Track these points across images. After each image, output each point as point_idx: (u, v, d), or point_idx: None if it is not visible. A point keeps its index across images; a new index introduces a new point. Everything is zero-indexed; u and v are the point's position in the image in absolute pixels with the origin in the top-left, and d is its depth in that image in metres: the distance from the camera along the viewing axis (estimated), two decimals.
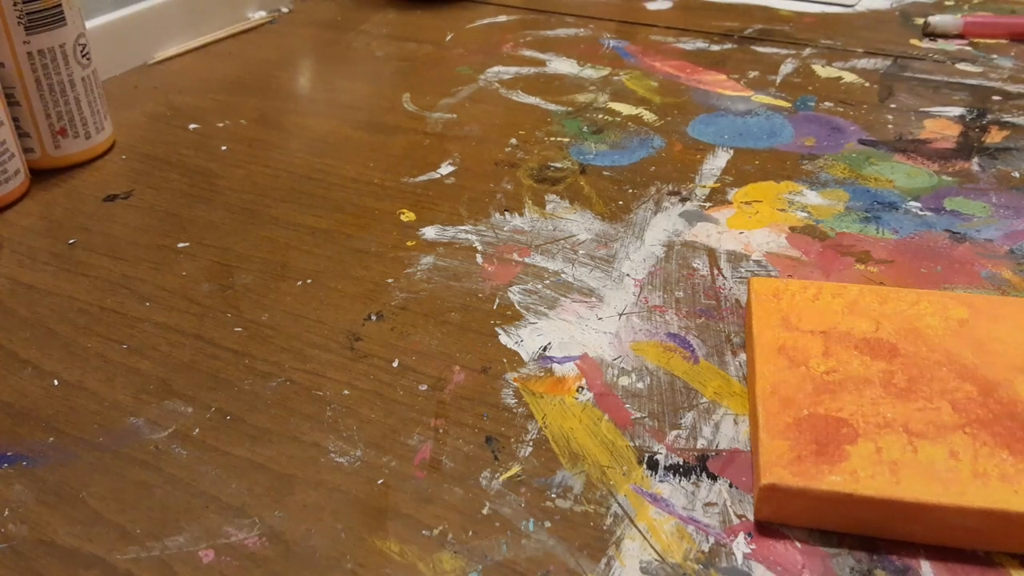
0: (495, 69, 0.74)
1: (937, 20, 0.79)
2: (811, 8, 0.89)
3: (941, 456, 0.31)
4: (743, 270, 0.46)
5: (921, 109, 0.65)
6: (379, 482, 0.34)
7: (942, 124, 0.62)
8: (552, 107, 0.66)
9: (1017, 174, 0.55)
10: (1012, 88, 0.68)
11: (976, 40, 0.79)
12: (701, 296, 0.44)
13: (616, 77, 0.72)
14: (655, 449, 0.35)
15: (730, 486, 0.33)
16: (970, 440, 0.32)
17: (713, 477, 0.33)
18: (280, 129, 0.64)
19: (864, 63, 0.74)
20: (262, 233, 0.51)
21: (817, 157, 0.58)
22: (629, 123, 0.63)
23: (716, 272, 0.46)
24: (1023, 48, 0.77)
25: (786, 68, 0.73)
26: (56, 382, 0.39)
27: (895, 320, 0.38)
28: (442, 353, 0.40)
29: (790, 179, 0.55)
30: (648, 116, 0.64)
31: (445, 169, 0.57)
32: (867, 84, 0.69)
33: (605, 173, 0.56)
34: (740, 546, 0.31)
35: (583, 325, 0.42)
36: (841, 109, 0.65)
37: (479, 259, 0.47)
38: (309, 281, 0.46)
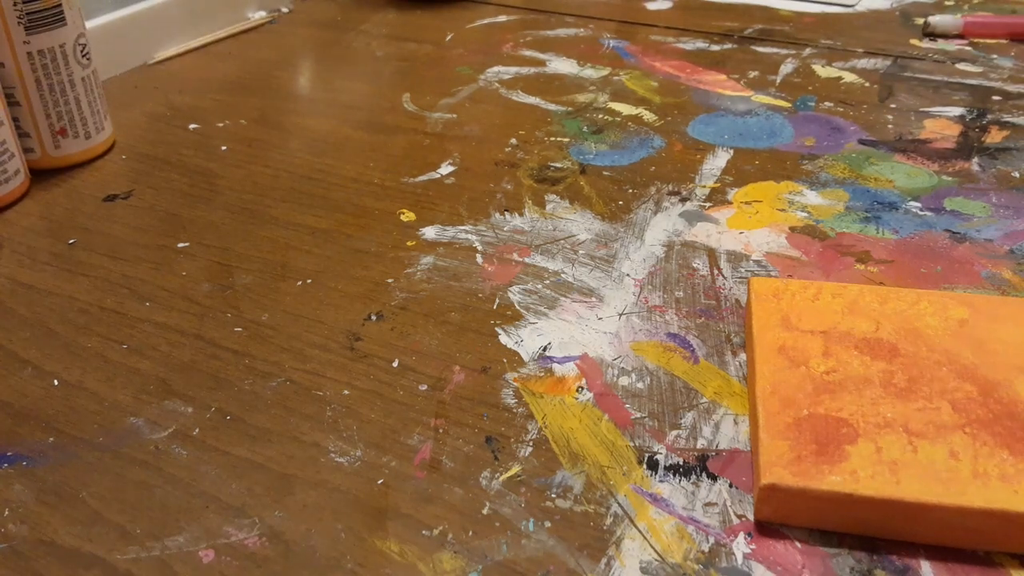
0: (495, 69, 0.74)
1: (937, 20, 0.79)
2: (811, 8, 0.89)
3: (941, 456, 0.31)
4: (743, 270, 0.46)
5: (921, 109, 0.65)
6: (379, 482, 0.34)
7: (942, 124, 0.62)
8: (552, 107, 0.66)
9: (1017, 174, 0.55)
10: (1012, 88, 0.68)
11: (976, 40, 0.79)
12: (701, 296, 0.44)
13: (616, 77, 0.72)
14: (655, 449, 0.35)
15: (730, 486, 0.33)
16: (970, 440, 0.32)
17: (713, 477, 0.33)
18: (280, 129, 0.64)
19: (864, 63, 0.74)
20: (262, 233, 0.51)
21: (817, 157, 0.58)
22: (629, 123, 0.63)
23: (716, 272, 0.46)
24: (1023, 48, 0.77)
25: (786, 68, 0.73)
26: (56, 382, 0.39)
27: (895, 320, 0.38)
28: (442, 353, 0.40)
29: (790, 179, 0.55)
30: (648, 116, 0.64)
31: (445, 169, 0.57)
32: (867, 84, 0.69)
33: (605, 173, 0.56)
34: (740, 546, 0.31)
35: (583, 325, 0.42)
36: (841, 109, 0.65)
37: (479, 259, 0.47)
38: (309, 281, 0.46)
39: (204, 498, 0.33)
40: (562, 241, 0.49)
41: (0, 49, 0.53)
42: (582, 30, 0.84)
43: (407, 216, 0.52)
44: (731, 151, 0.59)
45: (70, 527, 0.32)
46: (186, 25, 0.80)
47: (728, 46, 0.79)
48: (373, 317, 0.43)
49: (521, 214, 0.52)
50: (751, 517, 0.32)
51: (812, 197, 0.53)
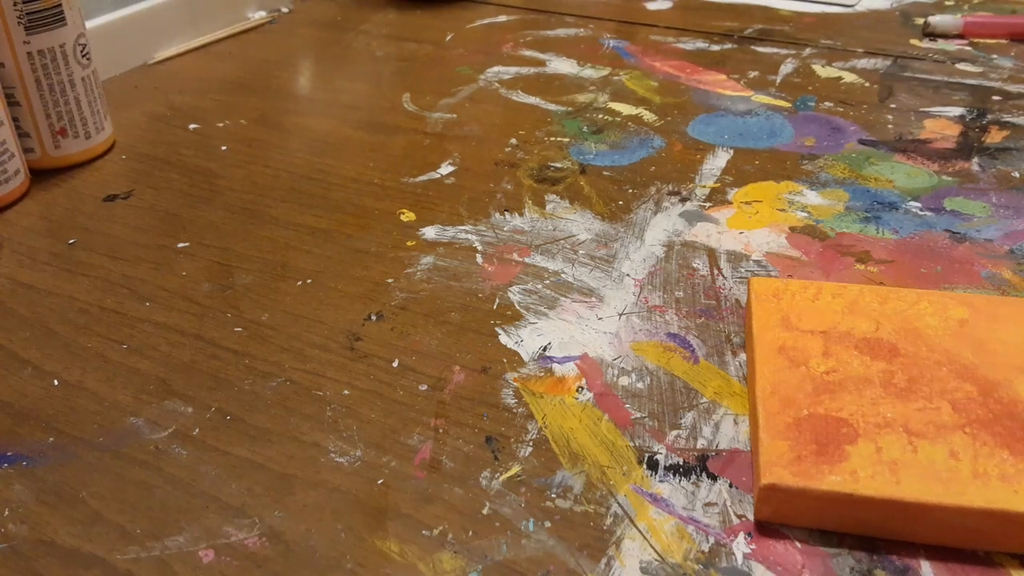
0: (495, 69, 0.74)
1: (937, 20, 0.79)
2: (811, 8, 0.89)
3: (941, 456, 0.31)
4: (743, 270, 0.46)
5: (921, 109, 0.65)
6: (379, 482, 0.34)
7: (942, 124, 0.62)
8: (552, 107, 0.66)
9: (1017, 174, 0.55)
10: (1012, 88, 0.68)
11: (976, 40, 0.79)
12: (701, 296, 0.44)
13: (616, 77, 0.72)
14: (655, 449, 0.35)
15: (730, 486, 0.33)
16: (970, 440, 0.32)
17: (713, 477, 0.33)
18: (280, 129, 0.64)
19: (864, 63, 0.74)
20: (262, 233, 0.51)
21: (817, 157, 0.58)
22: (629, 123, 0.63)
23: (716, 272, 0.46)
24: (1023, 48, 0.77)
25: (786, 68, 0.73)
26: (56, 382, 0.39)
27: (895, 320, 0.38)
28: (442, 353, 0.40)
29: (790, 179, 0.55)
30: (648, 116, 0.64)
31: (445, 169, 0.57)
32: (867, 84, 0.69)
33: (605, 173, 0.56)
34: (740, 546, 0.31)
35: (583, 325, 0.42)
36: (841, 109, 0.65)
37: (479, 259, 0.47)
38: (309, 281, 0.46)
39: (204, 498, 0.33)
40: (562, 241, 0.49)
41: (0, 49, 0.53)
42: (582, 30, 0.84)
43: (407, 216, 0.52)
44: (731, 151, 0.59)
45: (70, 527, 0.32)
46: (186, 25, 0.80)
47: (728, 46, 0.79)
48: (373, 317, 0.43)
49: (521, 214, 0.52)
50: (751, 517, 0.32)
51: (812, 197, 0.53)
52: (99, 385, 0.39)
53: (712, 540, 0.31)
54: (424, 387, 0.38)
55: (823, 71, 0.72)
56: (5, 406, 0.38)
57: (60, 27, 0.55)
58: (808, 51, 0.77)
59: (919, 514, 0.30)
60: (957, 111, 0.64)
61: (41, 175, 0.58)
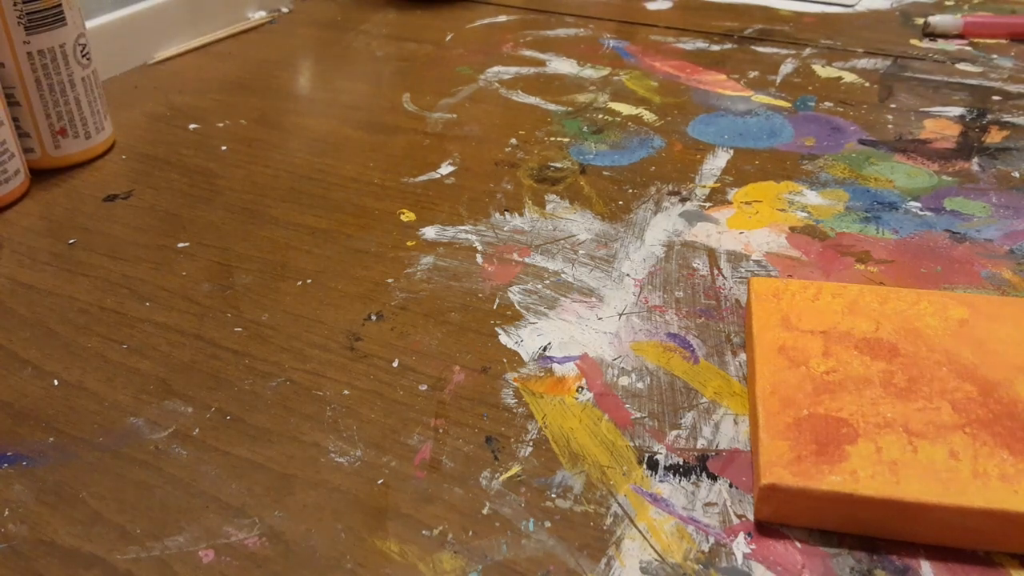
0: (495, 69, 0.74)
1: (937, 20, 0.79)
2: (811, 8, 0.89)
3: (941, 456, 0.31)
4: (743, 270, 0.46)
5: (921, 109, 0.65)
6: (379, 482, 0.34)
7: (942, 124, 0.62)
8: (552, 107, 0.66)
9: (1017, 174, 0.55)
10: (1012, 88, 0.68)
11: (976, 40, 0.79)
12: (701, 296, 0.44)
13: (616, 77, 0.72)
14: (655, 449, 0.35)
15: (730, 486, 0.33)
16: (970, 440, 0.32)
17: (713, 477, 0.33)
18: (280, 129, 0.64)
19: (864, 63, 0.74)
20: (262, 233, 0.51)
21: (817, 157, 0.58)
22: (629, 123, 0.63)
23: (716, 272, 0.46)
24: (1023, 48, 0.77)
25: (786, 68, 0.73)
26: (56, 382, 0.39)
27: (895, 320, 0.38)
28: (442, 353, 0.40)
29: (790, 179, 0.55)
30: (648, 116, 0.64)
31: (445, 169, 0.57)
32: (867, 84, 0.69)
33: (605, 173, 0.56)
34: (740, 546, 0.31)
35: (583, 325, 0.42)
36: (841, 109, 0.65)
37: (479, 259, 0.47)
38: (309, 281, 0.46)
39: (204, 498, 0.33)
40: (562, 241, 0.49)
41: (0, 49, 0.53)
42: (582, 30, 0.84)
43: (407, 216, 0.52)
44: (731, 151, 0.59)
45: (70, 527, 0.32)
46: (186, 25, 0.80)
47: (728, 46, 0.79)
48: (373, 317, 0.43)
49: (521, 214, 0.52)
50: (751, 517, 0.32)
51: (812, 197, 0.53)
52: (99, 385, 0.39)
53: (712, 540, 0.31)
54: (424, 387, 0.38)
55: (823, 71, 0.72)
56: (5, 406, 0.38)
57: (60, 27, 0.55)
58: (808, 51, 0.77)
59: (919, 514, 0.30)
60: (957, 111, 0.64)
61: (41, 175, 0.58)
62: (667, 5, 0.92)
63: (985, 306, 0.38)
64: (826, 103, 0.66)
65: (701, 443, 0.35)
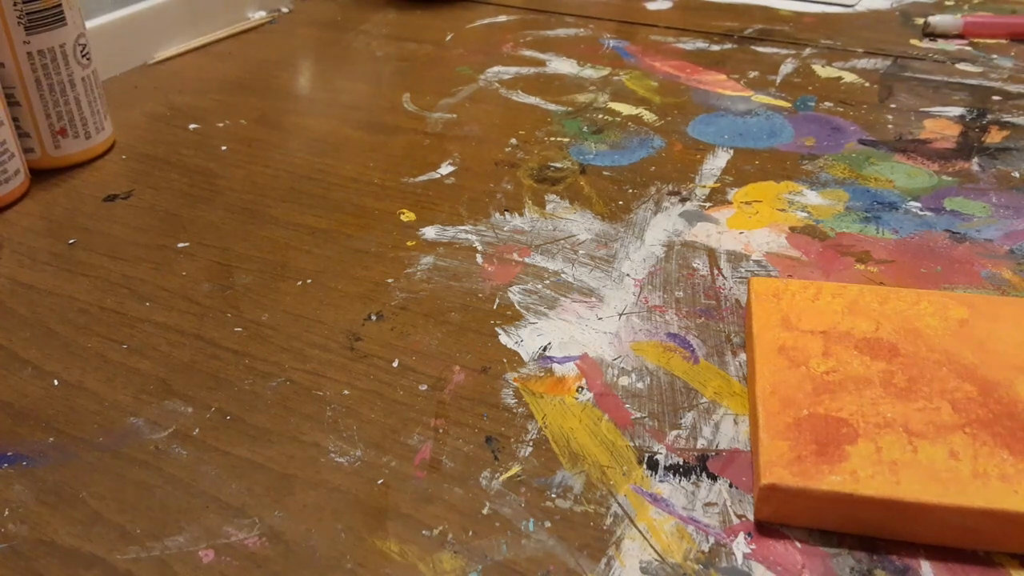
0: (495, 69, 0.74)
1: (937, 20, 0.79)
2: (811, 8, 0.89)
3: (941, 456, 0.31)
4: (743, 270, 0.46)
5: (921, 109, 0.65)
6: (379, 482, 0.34)
7: (942, 124, 0.62)
8: (552, 107, 0.66)
9: (1017, 174, 0.55)
10: (1012, 88, 0.68)
11: (976, 40, 0.79)
12: (701, 296, 0.44)
13: (616, 77, 0.72)
14: (655, 449, 0.35)
15: (730, 486, 0.33)
16: (970, 440, 0.32)
17: (713, 477, 0.33)
18: (280, 129, 0.64)
19: (864, 63, 0.74)
20: (262, 233, 0.51)
21: (817, 157, 0.58)
22: (629, 123, 0.63)
23: (716, 272, 0.46)
24: (1023, 48, 0.77)
25: (786, 68, 0.73)
26: (56, 382, 0.39)
27: (895, 320, 0.38)
28: (442, 353, 0.40)
29: (790, 179, 0.55)
30: (648, 116, 0.64)
31: (445, 169, 0.57)
32: (867, 84, 0.69)
33: (605, 173, 0.56)
34: (740, 546, 0.31)
35: (583, 325, 0.42)
36: (841, 109, 0.65)
37: (479, 259, 0.47)
38: (309, 281, 0.46)
39: (204, 498, 0.33)
40: (562, 241, 0.49)
41: (0, 49, 0.53)
42: (582, 30, 0.84)
43: (407, 216, 0.52)
44: (731, 151, 0.59)
45: (70, 527, 0.32)
46: (186, 25, 0.80)
47: (728, 46, 0.79)
48: (373, 317, 0.43)
49: (521, 214, 0.52)
50: (751, 517, 0.32)
51: (812, 197, 0.53)
52: (99, 385, 0.39)
53: (712, 540, 0.31)
54: (424, 387, 0.38)
55: (823, 71, 0.72)
56: (5, 406, 0.38)
57: (60, 27, 0.55)
58: (808, 51, 0.77)
59: (919, 514, 0.30)
60: (957, 111, 0.64)
61: (41, 175, 0.58)
62: (667, 5, 0.92)
63: (985, 306, 0.38)
64: (826, 103, 0.66)
65: (701, 443, 0.35)
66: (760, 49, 0.78)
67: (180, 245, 0.50)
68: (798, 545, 0.31)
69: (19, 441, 0.36)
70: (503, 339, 0.41)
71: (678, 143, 0.60)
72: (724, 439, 0.35)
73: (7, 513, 0.33)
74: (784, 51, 0.77)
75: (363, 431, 0.36)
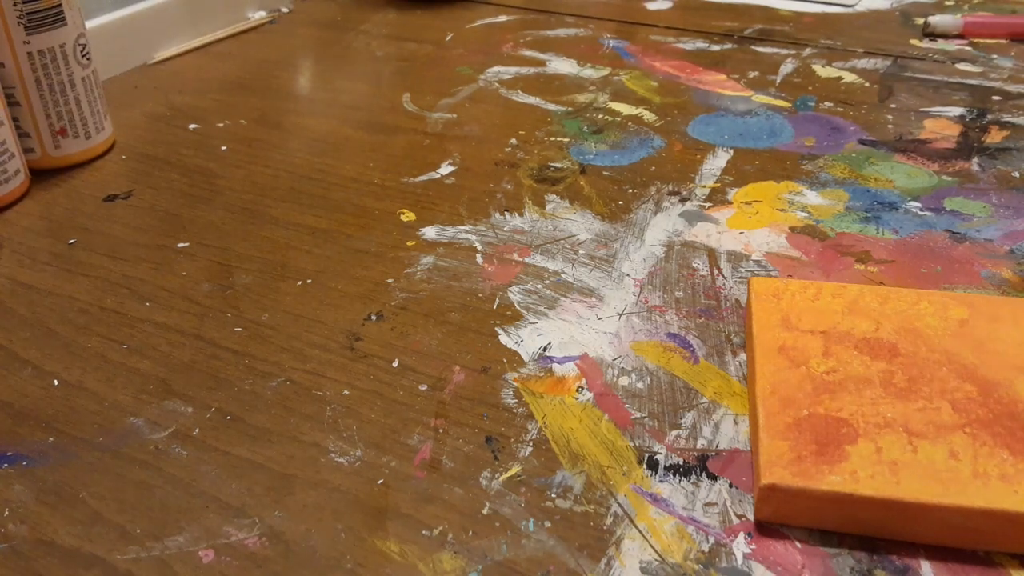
0: (495, 69, 0.74)
1: (937, 20, 0.79)
2: (811, 8, 0.89)
3: (941, 456, 0.31)
4: (743, 270, 0.46)
5: (921, 109, 0.65)
6: (379, 482, 0.34)
7: (942, 124, 0.62)
8: (552, 107, 0.66)
9: (1017, 174, 0.55)
10: (1012, 88, 0.68)
11: (976, 40, 0.79)
12: (701, 296, 0.44)
13: (616, 77, 0.72)
14: (655, 449, 0.35)
15: (730, 486, 0.33)
16: (970, 440, 0.32)
17: (713, 477, 0.33)
18: (280, 129, 0.64)
19: (864, 63, 0.74)
20: (262, 233, 0.51)
21: (817, 157, 0.58)
22: (629, 123, 0.63)
23: (716, 272, 0.46)
24: (1023, 48, 0.77)
25: (786, 68, 0.73)
26: (56, 382, 0.39)
27: (895, 320, 0.38)
28: (442, 353, 0.40)
29: (790, 179, 0.55)
30: (648, 116, 0.64)
31: (445, 169, 0.57)
32: (867, 84, 0.69)
33: (605, 173, 0.56)
34: (740, 546, 0.31)
35: (583, 325, 0.42)
36: (841, 109, 0.65)
37: (479, 259, 0.47)
38: (309, 281, 0.46)
39: (204, 498, 0.33)
40: (562, 241, 0.49)
41: (0, 49, 0.53)
42: (582, 30, 0.84)
43: (407, 216, 0.52)
44: (731, 151, 0.59)
45: (70, 527, 0.32)
46: (186, 25, 0.80)
47: (728, 46, 0.79)
48: (373, 317, 0.43)
49: (521, 214, 0.52)
50: (751, 517, 0.32)
51: (812, 197, 0.53)
52: (99, 385, 0.39)
53: (712, 540, 0.31)
54: (424, 387, 0.38)
55: (823, 71, 0.72)
56: (5, 406, 0.38)
57: (60, 27, 0.55)
58: (808, 51, 0.77)
59: (919, 514, 0.30)
60: (957, 111, 0.64)
61: (41, 175, 0.58)
62: (667, 5, 0.92)
63: (985, 306, 0.38)
64: (826, 103, 0.66)
65: (701, 443, 0.35)
66: (760, 49, 0.78)
67: (180, 245, 0.50)
68: (798, 545, 0.31)
69: (19, 441, 0.36)
70: (503, 339, 0.41)
71: (678, 143, 0.60)
72: (724, 439, 0.35)
73: (7, 513, 0.33)
74: (784, 51, 0.77)
75: (363, 431, 0.36)
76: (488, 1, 0.94)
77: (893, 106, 0.65)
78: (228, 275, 0.47)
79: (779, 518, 0.31)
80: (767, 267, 0.46)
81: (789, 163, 0.57)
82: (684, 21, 0.86)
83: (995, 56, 0.75)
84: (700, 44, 0.79)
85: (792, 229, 0.49)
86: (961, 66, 0.73)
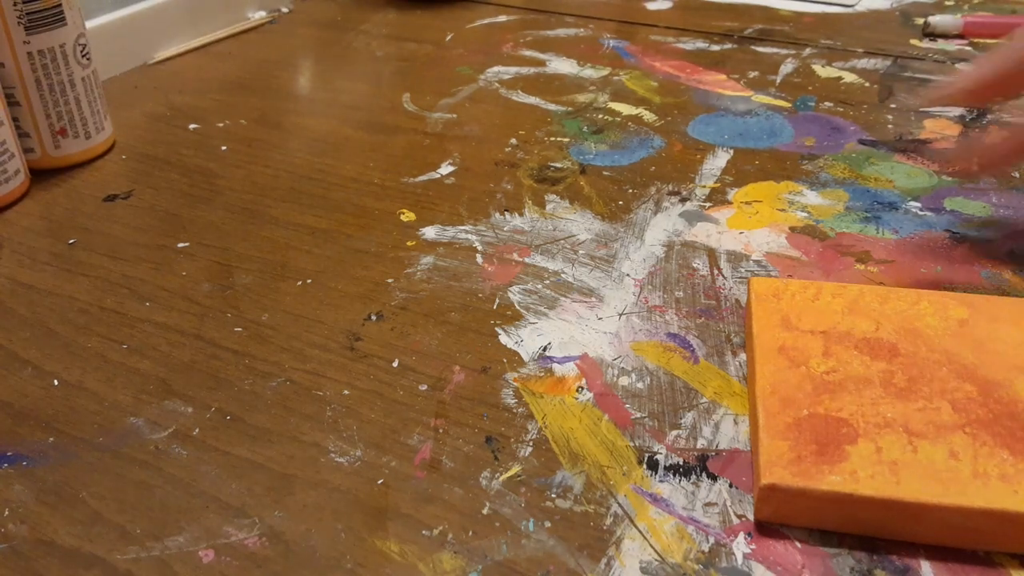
0: (495, 69, 0.74)
1: (937, 20, 0.79)
2: (811, 8, 0.89)
3: (941, 456, 0.31)
4: (743, 270, 0.46)
5: (921, 109, 0.65)
6: (379, 482, 0.34)
7: (942, 124, 0.62)
8: (552, 107, 0.66)
9: (1017, 174, 0.55)
10: None
11: (976, 40, 0.79)
12: (701, 296, 0.44)
13: (616, 77, 0.72)
14: (655, 449, 0.35)
15: (730, 486, 0.33)
16: (970, 440, 0.32)
17: (713, 477, 0.33)
18: (280, 129, 0.64)
19: (864, 63, 0.74)
20: (262, 233, 0.51)
21: (817, 157, 0.58)
22: (629, 123, 0.63)
23: (716, 272, 0.46)
24: None
25: (786, 68, 0.73)
26: (56, 382, 0.39)
27: (895, 320, 0.38)
28: (442, 353, 0.40)
29: (790, 179, 0.55)
30: (648, 116, 0.64)
31: (445, 169, 0.57)
32: (867, 84, 0.69)
33: (605, 173, 0.56)
34: (740, 546, 0.31)
35: (583, 325, 0.42)
36: (841, 109, 0.65)
37: (479, 259, 0.47)
38: (309, 281, 0.46)
39: (204, 498, 0.33)
40: (562, 241, 0.49)
41: (0, 49, 0.53)
42: (582, 30, 0.84)
43: (407, 216, 0.52)
44: (731, 151, 0.59)
45: (70, 527, 0.32)
46: (186, 25, 0.80)
47: (728, 46, 0.79)
48: (373, 317, 0.43)
49: (521, 214, 0.52)
50: (751, 517, 0.32)
51: (812, 197, 0.53)
52: (99, 385, 0.39)
53: (712, 540, 0.31)
54: (424, 387, 0.38)
55: (823, 71, 0.72)
56: (5, 406, 0.38)
57: (60, 27, 0.55)
58: (808, 51, 0.77)
59: (919, 514, 0.30)
60: (957, 111, 0.64)
61: (41, 175, 0.58)
62: (667, 5, 0.92)
63: (985, 306, 0.38)
64: (826, 103, 0.66)
65: (701, 443, 0.35)
66: (760, 49, 0.78)
67: (180, 245, 0.50)
68: (798, 545, 0.31)
69: (19, 441, 0.36)
70: (503, 339, 0.41)
71: (678, 143, 0.60)
72: (724, 439, 0.35)
73: (7, 513, 0.33)
74: (784, 51, 0.77)
75: (363, 431, 0.36)
76: (488, 1, 0.94)
77: (893, 106, 0.65)
78: (228, 275, 0.47)
79: (779, 518, 0.31)
80: (767, 267, 0.46)
81: (789, 163, 0.57)
82: (684, 21, 0.86)
83: None
84: (700, 44, 0.79)
85: (792, 229, 0.49)
86: (961, 66, 0.73)
